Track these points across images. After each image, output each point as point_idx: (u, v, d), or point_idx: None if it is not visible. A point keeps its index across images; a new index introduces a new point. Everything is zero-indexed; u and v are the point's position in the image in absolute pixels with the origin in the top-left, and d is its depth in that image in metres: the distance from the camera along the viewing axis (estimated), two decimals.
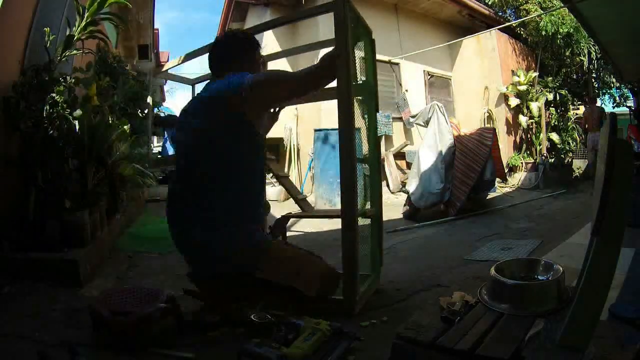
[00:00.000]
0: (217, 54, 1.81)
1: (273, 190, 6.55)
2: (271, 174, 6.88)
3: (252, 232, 1.66)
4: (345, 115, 1.90)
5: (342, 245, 1.92)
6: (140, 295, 1.79)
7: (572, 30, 7.71)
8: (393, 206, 5.65)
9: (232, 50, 1.80)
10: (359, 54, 2.18)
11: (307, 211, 2.46)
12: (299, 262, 1.75)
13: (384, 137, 7.03)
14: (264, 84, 1.65)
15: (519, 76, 7.86)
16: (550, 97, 8.05)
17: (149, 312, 1.62)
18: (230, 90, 1.58)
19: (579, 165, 8.18)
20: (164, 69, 3.23)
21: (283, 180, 2.69)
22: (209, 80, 1.83)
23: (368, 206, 2.28)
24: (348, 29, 1.92)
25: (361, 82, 2.19)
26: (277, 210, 5.23)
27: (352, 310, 1.90)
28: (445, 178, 4.99)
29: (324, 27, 6.07)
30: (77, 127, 2.63)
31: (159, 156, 7.36)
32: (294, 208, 2.54)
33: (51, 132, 2.54)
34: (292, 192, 2.55)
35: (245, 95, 1.57)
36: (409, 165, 6.84)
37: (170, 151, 10.10)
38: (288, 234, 2.33)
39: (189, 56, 2.76)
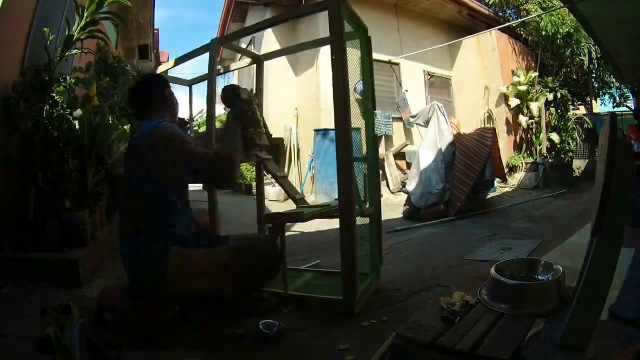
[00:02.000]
0: (137, 97, 1.93)
1: (273, 191, 6.54)
2: (270, 175, 6.91)
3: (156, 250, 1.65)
4: (342, 115, 1.90)
5: (341, 245, 1.92)
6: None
7: (572, 30, 7.71)
8: (393, 206, 5.65)
9: (146, 93, 1.90)
10: (356, 52, 2.18)
11: None
12: (202, 264, 1.68)
13: (384, 137, 7.02)
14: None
15: (519, 76, 7.86)
16: (550, 97, 8.04)
17: (159, 305, 1.64)
18: (151, 146, 1.69)
19: (579, 165, 8.17)
20: (158, 71, 3.22)
21: (281, 180, 2.68)
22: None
23: (367, 205, 2.27)
24: (343, 27, 1.91)
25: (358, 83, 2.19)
26: (278, 209, 5.23)
27: (352, 310, 1.90)
28: (445, 178, 4.99)
29: (324, 25, 6.06)
30: (77, 127, 2.63)
31: None
32: (294, 208, 2.54)
33: (51, 132, 2.54)
34: (290, 192, 2.55)
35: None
36: (409, 165, 6.84)
37: None
38: (287, 233, 2.33)
39: (181, 59, 2.77)
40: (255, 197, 2.93)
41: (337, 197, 1.97)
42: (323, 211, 2.18)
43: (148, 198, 1.69)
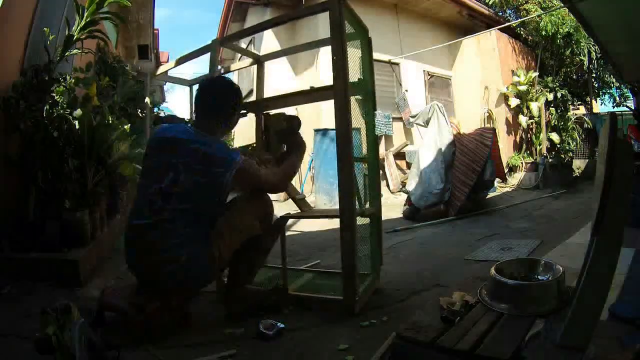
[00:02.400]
0: (211, 99, 1.88)
1: None
2: None
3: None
4: (342, 116, 1.90)
5: (341, 245, 1.92)
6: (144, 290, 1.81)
7: (572, 30, 7.71)
8: (393, 206, 5.65)
9: (226, 100, 1.89)
10: (356, 52, 2.18)
11: (306, 211, 2.46)
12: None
13: (383, 137, 7.02)
14: (247, 175, 1.79)
15: (519, 76, 7.86)
16: (550, 97, 8.04)
17: (164, 304, 1.66)
18: (222, 166, 1.72)
19: (579, 165, 8.17)
20: (159, 72, 3.23)
21: None
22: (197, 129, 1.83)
23: (367, 205, 2.28)
24: (344, 28, 1.92)
25: (358, 81, 2.19)
26: (278, 209, 5.22)
27: (352, 310, 1.90)
28: (445, 178, 4.99)
29: (324, 26, 6.07)
30: (77, 127, 2.63)
31: None
32: (294, 208, 2.54)
33: (51, 132, 2.54)
34: (291, 191, 2.55)
35: (230, 176, 1.72)
36: (409, 165, 6.84)
37: None
38: (287, 233, 2.33)
39: (183, 59, 2.78)
40: None
41: (338, 198, 1.97)
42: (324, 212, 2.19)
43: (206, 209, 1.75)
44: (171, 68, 3.03)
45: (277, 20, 2.47)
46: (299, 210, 2.41)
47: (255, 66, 2.81)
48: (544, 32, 7.70)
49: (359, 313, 1.92)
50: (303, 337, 1.70)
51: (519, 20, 7.89)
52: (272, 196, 2.07)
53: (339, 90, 1.90)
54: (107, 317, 1.70)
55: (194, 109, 1.89)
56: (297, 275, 2.51)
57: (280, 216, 2.20)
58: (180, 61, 2.80)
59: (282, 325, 1.71)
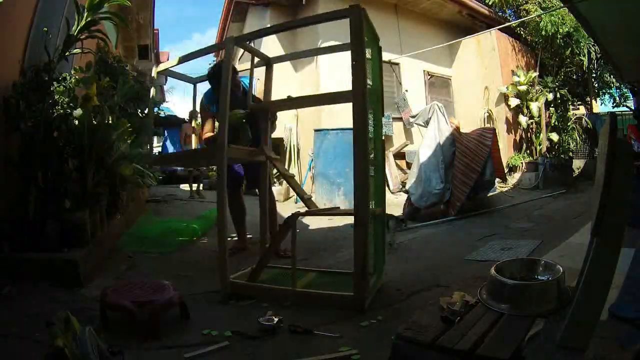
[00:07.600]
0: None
1: (273, 190, 6.53)
2: (276, 173, 6.90)
3: None
4: (360, 118, 1.98)
5: (354, 241, 1.97)
6: (146, 287, 1.85)
7: (572, 30, 7.71)
8: (393, 206, 5.64)
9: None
10: (368, 58, 2.22)
11: (317, 209, 2.47)
12: None
13: (384, 137, 7.02)
14: None
15: (519, 76, 7.86)
16: (550, 97, 8.04)
17: (168, 298, 1.74)
18: None
19: (578, 165, 8.17)
20: (159, 69, 3.23)
21: (289, 180, 2.72)
22: None
23: (372, 206, 2.28)
24: (363, 34, 1.97)
25: (369, 86, 2.22)
26: (278, 209, 5.21)
27: (362, 306, 1.91)
28: (445, 178, 4.99)
29: (324, 28, 6.07)
30: (77, 127, 2.63)
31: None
32: (294, 208, 2.55)
33: (51, 132, 2.54)
34: (299, 191, 2.57)
35: None
36: (409, 165, 6.84)
37: (170, 149, 10.09)
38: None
39: (185, 58, 2.79)
40: (259, 196, 2.96)
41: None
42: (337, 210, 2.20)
43: None
44: (173, 66, 3.02)
45: (297, 24, 2.50)
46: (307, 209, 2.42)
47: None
48: (544, 32, 7.69)
49: (362, 311, 1.92)
50: (303, 337, 1.70)
51: (519, 20, 7.89)
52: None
53: (357, 94, 1.98)
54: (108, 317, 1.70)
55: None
56: (300, 275, 2.52)
57: (292, 214, 2.21)
58: (189, 58, 2.79)
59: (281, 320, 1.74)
